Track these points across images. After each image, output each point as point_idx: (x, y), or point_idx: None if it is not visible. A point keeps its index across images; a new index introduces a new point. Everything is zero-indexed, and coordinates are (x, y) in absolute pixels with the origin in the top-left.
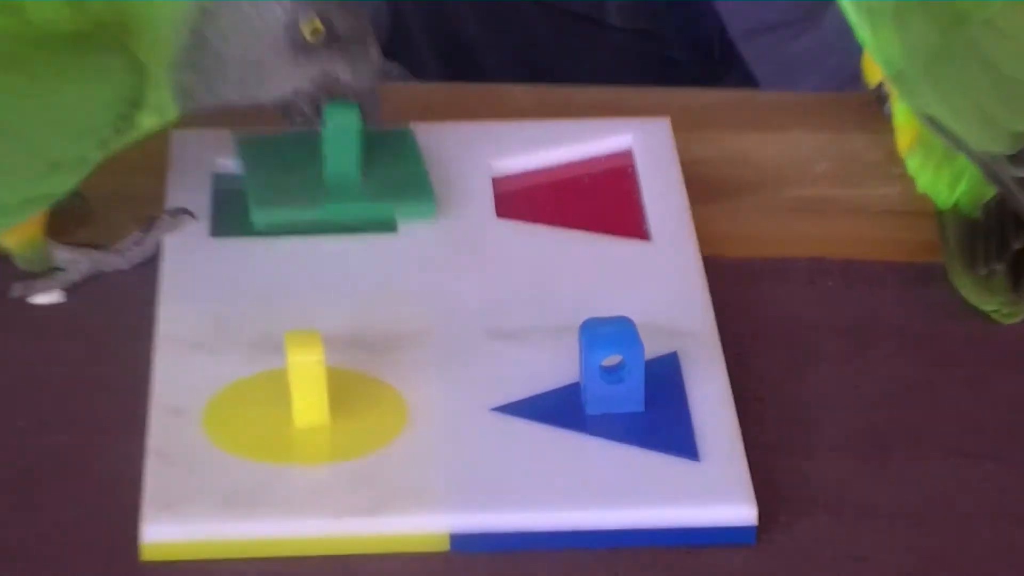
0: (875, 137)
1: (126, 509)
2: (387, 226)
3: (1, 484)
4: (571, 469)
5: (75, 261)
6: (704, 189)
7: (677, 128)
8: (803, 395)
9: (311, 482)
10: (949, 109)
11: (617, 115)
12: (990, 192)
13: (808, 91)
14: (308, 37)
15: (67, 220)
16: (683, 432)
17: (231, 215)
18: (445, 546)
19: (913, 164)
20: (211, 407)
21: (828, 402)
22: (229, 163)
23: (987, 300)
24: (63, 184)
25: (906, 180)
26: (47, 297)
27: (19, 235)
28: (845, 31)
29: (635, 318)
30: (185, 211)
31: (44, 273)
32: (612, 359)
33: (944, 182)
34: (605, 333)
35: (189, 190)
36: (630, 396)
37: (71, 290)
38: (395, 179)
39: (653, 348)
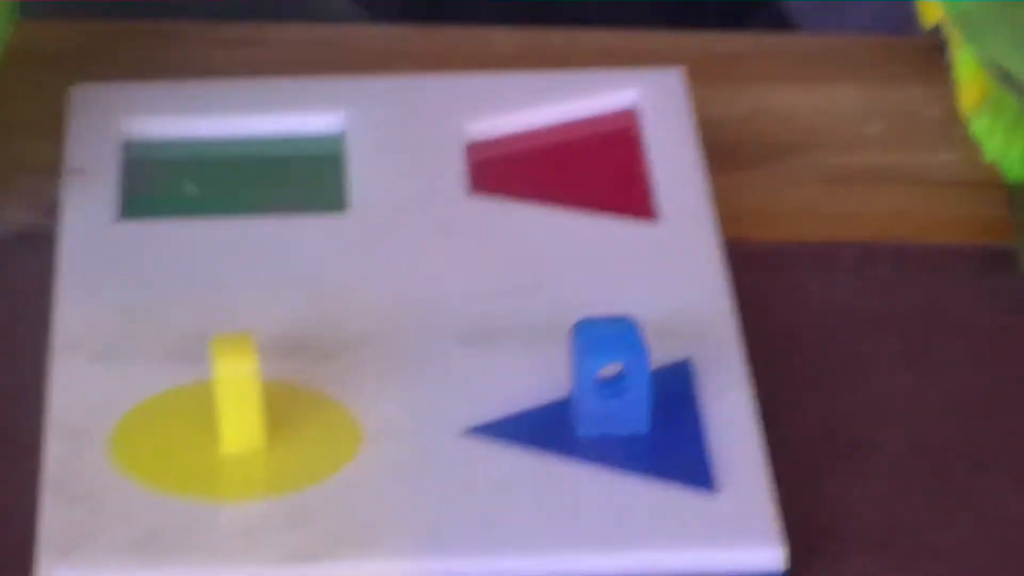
0: (936, 91)
1: (17, 553)
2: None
3: None
4: (561, 504)
5: None
6: (725, 156)
7: (693, 80)
8: (846, 409)
9: (242, 521)
10: None
11: (619, 64)
12: None
13: (854, 32)
14: None
15: None
16: (697, 457)
17: (145, 192)
18: None
19: (980, 126)
20: (120, 429)
21: (877, 417)
22: (142, 124)
23: None
24: None
25: (972, 143)
26: None
27: None
28: None
29: (639, 316)
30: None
31: None
32: (610, 368)
33: (1018, 150)
34: (602, 336)
35: (92, 160)
36: (632, 414)
37: None
38: None
39: (661, 354)
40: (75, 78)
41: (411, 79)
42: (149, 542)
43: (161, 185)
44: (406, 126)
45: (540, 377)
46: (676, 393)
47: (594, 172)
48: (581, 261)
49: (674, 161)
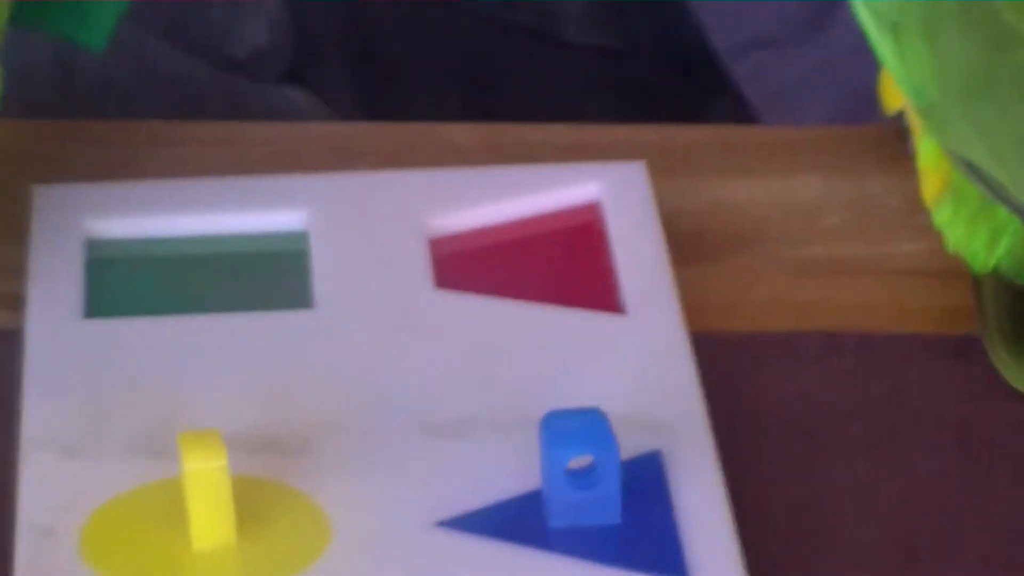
0: (896, 181)
1: None
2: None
3: None
4: None
5: None
6: (689, 248)
7: (655, 173)
8: (814, 497)
9: None
10: (989, 150)
11: (579, 158)
12: None
13: (814, 121)
14: None
15: None
16: (669, 548)
17: (109, 290)
18: None
19: (942, 216)
20: (90, 527)
21: (844, 506)
22: (105, 224)
23: None
24: None
25: (935, 232)
26: None
27: None
28: (858, 45)
29: (608, 409)
30: None
31: None
32: (581, 460)
33: (981, 240)
34: (572, 428)
35: (57, 260)
36: (604, 505)
37: None
38: None
39: (631, 446)
40: (36, 178)
41: (373, 175)
42: None
43: (125, 284)
44: (369, 222)
45: (509, 469)
46: (647, 484)
47: (559, 265)
48: (548, 354)
49: (639, 254)
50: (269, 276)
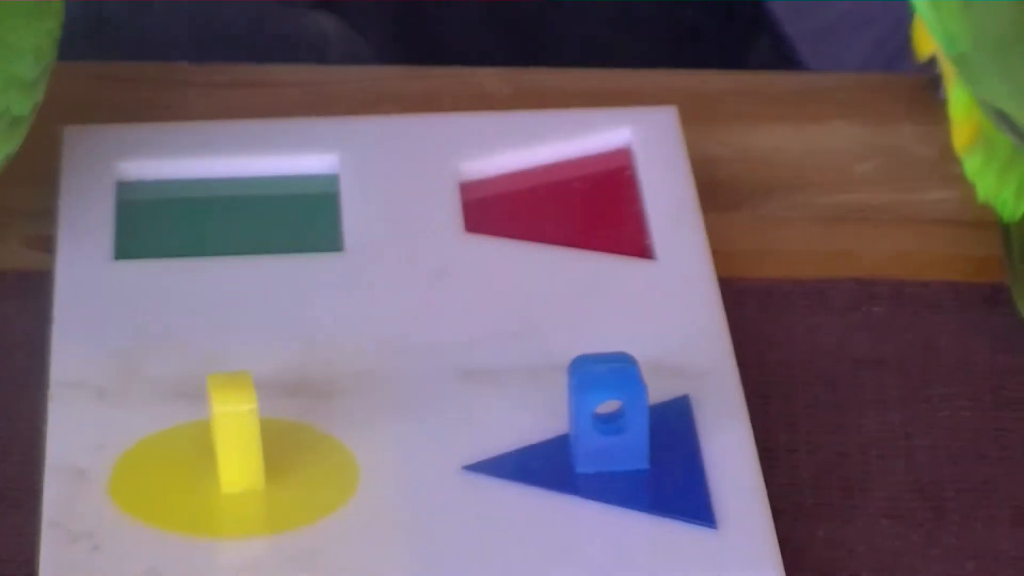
0: (928, 130)
1: None
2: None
3: None
4: (560, 540)
5: None
6: (720, 195)
7: (687, 119)
8: (843, 446)
9: (242, 558)
10: (1020, 100)
11: (611, 104)
12: None
13: (856, 59)
14: None
15: None
16: (696, 494)
17: (139, 232)
18: None
19: (973, 166)
20: (119, 468)
21: (874, 455)
22: (135, 166)
23: None
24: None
25: (965, 181)
26: None
27: None
28: None
29: (636, 354)
30: None
31: None
32: (609, 405)
33: (1010, 190)
34: (600, 373)
35: (87, 202)
36: (631, 450)
37: None
38: None
39: (659, 391)
40: (67, 120)
41: (404, 119)
42: None
43: (155, 226)
44: (400, 166)
45: (538, 414)
46: (675, 429)
47: (589, 211)
48: (577, 299)
49: (669, 199)
50: (299, 219)
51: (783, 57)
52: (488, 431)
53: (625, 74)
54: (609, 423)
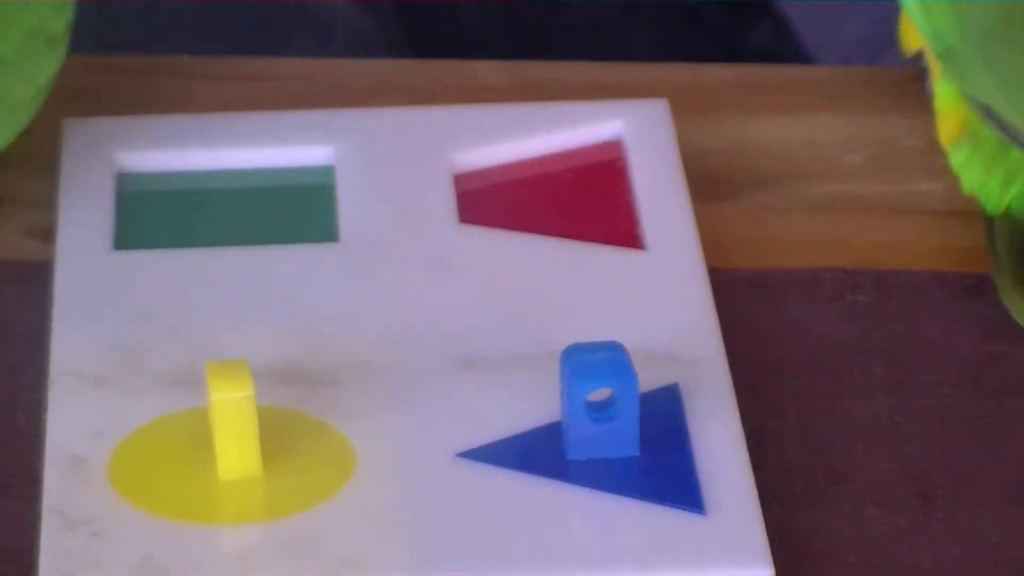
0: (916, 122)
1: None
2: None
3: None
4: (552, 526)
5: None
6: (710, 186)
7: (676, 111)
8: (830, 433)
9: (239, 545)
10: (1006, 96)
11: (603, 96)
12: None
13: (857, 41)
14: None
15: None
16: (685, 480)
17: (138, 223)
18: None
19: (958, 159)
20: (118, 456)
21: (860, 442)
22: (135, 158)
23: None
24: None
25: (952, 173)
26: None
27: None
28: None
29: (627, 343)
30: None
31: None
32: (600, 393)
33: (995, 182)
34: (591, 362)
35: (87, 193)
36: (622, 437)
37: None
38: None
39: (649, 379)
40: (67, 111)
41: (399, 111)
42: (148, 567)
43: (154, 217)
44: (395, 157)
45: (530, 402)
46: (665, 417)
47: (581, 202)
48: (570, 288)
49: (660, 191)
50: (296, 210)
51: (783, 39)
52: (481, 419)
53: (622, 67)
54: (600, 411)
